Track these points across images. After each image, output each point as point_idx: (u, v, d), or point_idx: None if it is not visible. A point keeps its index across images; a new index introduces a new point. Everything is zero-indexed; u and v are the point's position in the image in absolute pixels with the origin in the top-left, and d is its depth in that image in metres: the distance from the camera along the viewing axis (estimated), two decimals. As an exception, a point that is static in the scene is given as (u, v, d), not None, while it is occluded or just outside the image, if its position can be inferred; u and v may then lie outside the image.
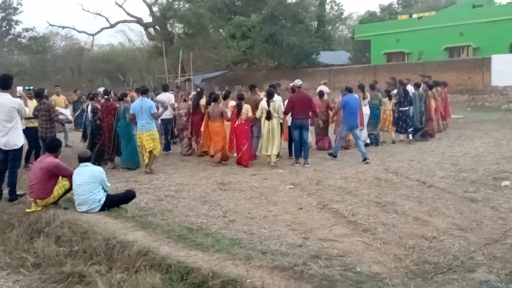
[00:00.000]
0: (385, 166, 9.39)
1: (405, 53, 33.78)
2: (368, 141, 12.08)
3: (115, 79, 46.32)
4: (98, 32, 43.61)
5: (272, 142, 9.81)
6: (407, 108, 12.47)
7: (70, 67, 48.42)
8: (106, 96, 10.75)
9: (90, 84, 41.76)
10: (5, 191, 7.35)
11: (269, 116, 9.79)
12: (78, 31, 44.37)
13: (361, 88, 12.23)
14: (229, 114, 10.45)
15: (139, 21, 42.19)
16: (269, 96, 9.96)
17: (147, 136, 9.41)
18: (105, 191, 6.51)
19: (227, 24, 36.50)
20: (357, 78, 25.55)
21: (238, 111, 10.12)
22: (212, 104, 10.48)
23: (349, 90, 10.85)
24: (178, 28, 41.45)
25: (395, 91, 13.51)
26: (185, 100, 12.31)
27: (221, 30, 38.61)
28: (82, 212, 6.25)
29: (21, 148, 7.39)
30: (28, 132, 9.73)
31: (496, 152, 10.34)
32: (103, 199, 6.34)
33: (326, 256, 4.63)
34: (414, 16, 34.79)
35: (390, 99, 12.75)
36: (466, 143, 11.90)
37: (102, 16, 42.39)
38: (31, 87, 11.39)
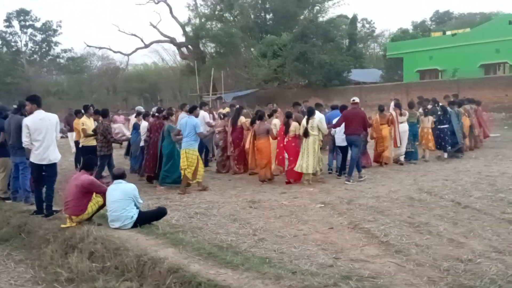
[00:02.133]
0: (419, 185, 9.20)
1: (439, 71, 33.27)
2: (402, 158, 12.06)
3: (149, 97, 47.27)
4: (133, 52, 44.94)
5: (307, 160, 9.76)
6: (446, 125, 12.55)
7: (105, 86, 49.88)
8: (157, 114, 10.94)
9: (125, 103, 42.78)
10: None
11: (306, 134, 9.80)
12: (114, 52, 45.83)
13: (398, 105, 12.24)
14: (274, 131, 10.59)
15: (172, 41, 43.21)
16: (310, 114, 9.99)
17: (183, 154, 9.45)
18: (137, 207, 6.62)
19: (259, 43, 36.90)
20: (389, 96, 25.22)
21: (286, 128, 10.17)
22: (258, 122, 10.58)
23: (333, 107, 11.65)
24: (210, 47, 42.24)
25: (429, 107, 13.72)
26: (221, 118, 12.48)
27: (252, 49, 39.06)
28: (115, 228, 6.36)
29: (56, 164, 7.61)
30: (85, 151, 10.25)
31: (535, 172, 9.99)
32: (135, 216, 6.44)
33: (357, 277, 4.54)
34: (448, 33, 34.31)
35: (426, 115, 12.77)
36: (503, 162, 11.53)
37: (137, 36, 43.75)
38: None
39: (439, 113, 12.91)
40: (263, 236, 6.16)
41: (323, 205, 7.86)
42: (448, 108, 12.95)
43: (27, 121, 7.28)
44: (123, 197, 6.40)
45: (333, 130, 10.64)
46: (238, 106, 13.12)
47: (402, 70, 36.02)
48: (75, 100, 40.72)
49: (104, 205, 6.67)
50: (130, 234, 6.11)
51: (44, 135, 7.28)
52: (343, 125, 10.22)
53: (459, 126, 12.94)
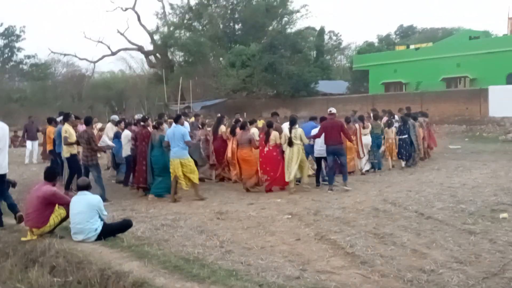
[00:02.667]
0: (383, 196, 9.36)
1: (403, 83, 34.16)
2: (367, 167, 12.68)
3: (115, 105, 46.58)
4: (100, 59, 44.38)
5: (295, 167, 9.98)
6: (406, 136, 13.34)
7: (71, 93, 48.85)
8: (143, 123, 10.68)
9: (90, 111, 41.95)
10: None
11: (290, 143, 9.98)
12: (80, 58, 45.16)
13: (361, 119, 12.62)
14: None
15: (140, 49, 42.85)
16: (292, 123, 10.21)
17: (178, 163, 9.36)
18: (101, 219, 6.48)
19: (227, 52, 37.03)
20: (355, 107, 25.67)
21: (267, 138, 10.28)
22: (240, 131, 10.63)
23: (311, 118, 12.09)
24: (178, 56, 42.11)
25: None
26: (200, 127, 12.48)
27: (221, 59, 39.18)
28: (78, 241, 6.20)
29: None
30: (72, 159, 9.93)
31: (494, 184, 10.32)
32: (100, 228, 6.30)
33: (323, 289, 4.57)
34: (412, 47, 35.35)
35: (389, 127, 13.43)
36: (464, 174, 11.89)
37: (104, 43, 43.20)
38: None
39: (399, 124, 13.71)
40: (230, 248, 6.12)
41: (290, 216, 7.88)
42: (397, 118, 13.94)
43: None
44: (87, 209, 6.25)
45: (312, 140, 10.80)
46: (219, 115, 13.08)
47: (368, 82, 36.83)
48: (38, 107, 39.68)
49: (67, 217, 6.51)
50: (93, 247, 5.97)
51: (4, 144, 7.10)
52: (322, 136, 10.42)
53: (415, 137, 13.73)
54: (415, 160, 13.81)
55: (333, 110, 10.73)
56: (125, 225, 6.72)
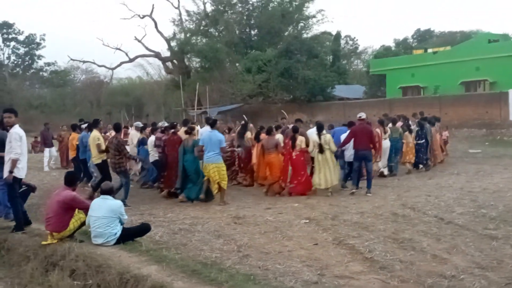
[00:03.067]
0: (402, 201, 9.26)
1: (421, 87, 33.83)
2: (385, 172, 12.64)
3: (133, 111, 47.06)
4: (117, 66, 44.83)
5: (330, 173, 10.14)
6: (423, 140, 13.40)
7: (89, 100, 49.50)
8: (173, 130, 10.73)
9: (109, 117, 42.47)
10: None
11: (321, 149, 10.10)
12: (98, 65, 45.63)
13: (381, 122, 12.55)
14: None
15: (157, 55, 43.24)
16: (319, 130, 10.34)
17: (214, 168, 9.40)
18: (121, 224, 6.53)
19: (243, 58, 37.16)
20: (372, 112, 25.54)
21: (293, 143, 10.34)
22: (266, 137, 10.74)
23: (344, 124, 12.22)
24: (195, 62, 42.36)
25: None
26: (227, 132, 12.55)
27: (237, 64, 39.30)
28: (97, 244, 6.26)
29: None
30: (103, 165, 9.94)
31: (515, 188, 10.14)
32: (119, 233, 6.35)
33: (342, 294, 4.53)
34: (429, 50, 35.00)
35: (410, 132, 13.44)
36: (485, 179, 11.70)
37: (122, 50, 43.50)
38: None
39: (417, 129, 13.72)
40: (248, 253, 6.11)
41: (308, 221, 7.84)
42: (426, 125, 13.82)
43: (21, 132, 7.24)
44: (108, 214, 6.29)
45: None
46: (243, 122, 13.07)
47: (385, 86, 36.57)
48: (57, 114, 40.37)
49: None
50: (112, 251, 6.01)
51: (24, 149, 7.24)
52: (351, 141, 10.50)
53: (431, 142, 13.82)
54: (428, 165, 13.80)
55: (363, 115, 10.72)
56: (143, 229, 6.76)
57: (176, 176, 10.16)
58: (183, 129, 11.38)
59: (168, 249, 6.23)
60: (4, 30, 51.03)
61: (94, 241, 6.33)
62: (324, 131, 10.43)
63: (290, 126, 13.45)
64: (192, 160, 9.87)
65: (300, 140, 10.40)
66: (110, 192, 6.63)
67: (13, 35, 51.38)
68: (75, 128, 13.32)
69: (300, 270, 5.38)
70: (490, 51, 29.54)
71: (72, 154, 12.80)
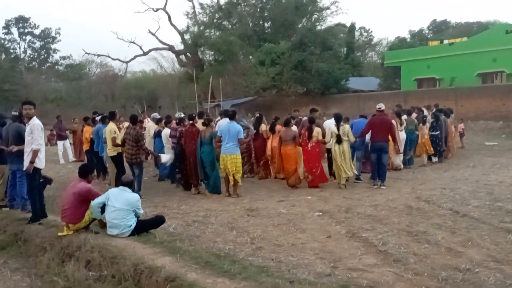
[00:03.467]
0: (417, 194, 9.19)
1: (437, 79, 33.41)
2: (401, 166, 12.52)
3: (146, 104, 47.30)
4: (132, 59, 45.00)
5: (346, 165, 10.10)
6: (438, 132, 13.30)
7: (104, 93, 49.87)
8: (191, 121, 10.62)
9: (123, 110, 42.77)
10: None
11: (339, 140, 10.06)
12: (113, 59, 45.83)
13: (398, 114, 12.46)
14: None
15: (171, 48, 43.30)
16: (338, 121, 10.31)
17: (231, 160, 9.44)
18: (137, 216, 6.59)
19: (257, 51, 37.03)
20: (387, 104, 25.21)
21: (310, 134, 10.32)
22: (284, 128, 10.72)
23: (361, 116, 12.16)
24: (208, 55, 42.31)
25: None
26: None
27: (250, 57, 39.18)
28: (112, 235, 6.32)
29: None
30: (118, 158, 9.94)
31: (533, 181, 9.99)
32: (134, 225, 6.41)
33: (355, 287, 4.52)
34: (445, 42, 34.51)
35: (424, 124, 13.37)
36: (501, 171, 11.55)
37: (136, 44, 43.67)
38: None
39: (431, 120, 13.70)
40: (261, 245, 6.13)
41: (321, 214, 7.84)
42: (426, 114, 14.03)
43: (40, 124, 7.40)
44: (126, 207, 6.35)
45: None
46: (258, 114, 12.97)
47: (400, 78, 36.19)
48: (73, 107, 40.74)
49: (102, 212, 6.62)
50: (127, 242, 6.07)
51: (42, 140, 7.36)
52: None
53: (446, 134, 13.74)
54: (442, 157, 13.77)
55: (382, 106, 10.62)
56: (158, 221, 6.81)
57: (195, 168, 10.12)
58: (199, 121, 11.43)
59: (182, 240, 6.28)
60: (20, 25, 51.57)
61: (109, 231, 6.40)
62: (342, 122, 10.38)
63: (304, 118, 13.44)
64: (209, 151, 9.89)
65: (317, 131, 10.37)
66: (130, 185, 6.69)
67: (29, 29, 51.90)
68: (86, 120, 13.32)
69: (313, 263, 5.39)
70: (507, 42, 29.00)
71: (85, 147, 12.82)
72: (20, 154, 7.85)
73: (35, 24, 52.07)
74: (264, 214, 7.98)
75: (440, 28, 47.97)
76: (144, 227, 6.57)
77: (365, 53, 53.18)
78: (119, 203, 6.36)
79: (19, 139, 7.90)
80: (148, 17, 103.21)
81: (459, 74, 30.17)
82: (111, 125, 10.08)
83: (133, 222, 6.40)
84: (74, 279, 5.44)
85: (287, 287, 4.39)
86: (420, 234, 6.40)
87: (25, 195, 8.24)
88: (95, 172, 11.42)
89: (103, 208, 6.48)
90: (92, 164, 12.03)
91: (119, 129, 10.68)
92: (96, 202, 6.44)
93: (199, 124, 10.79)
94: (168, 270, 4.96)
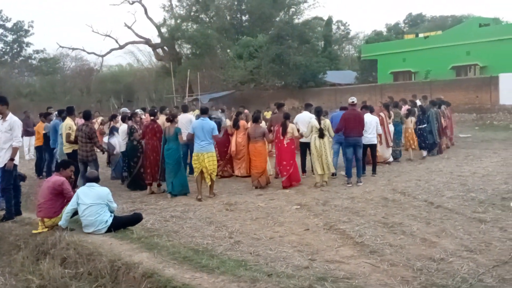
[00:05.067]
0: (392, 186, 9.33)
1: (412, 72, 33.85)
2: (391, 159, 12.47)
3: (124, 99, 46.79)
4: (107, 53, 44.42)
5: (327, 160, 9.68)
6: (425, 125, 13.11)
7: (79, 87, 48.97)
8: (152, 117, 10.21)
9: (99, 105, 42.17)
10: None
11: (322, 134, 9.68)
12: (88, 53, 45.16)
13: (386, 106, 12.49)
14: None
15: (147, 42, 42.83)
16: (318, 114, 9.86)
17: (208, 158, 8.93)
18: (111, 212, 6.52)
19: (234, 44, 36.90)
20: (363, 97, 25.50)
21: (284, 130, 9.87)
22: (253, 124, 10.19)
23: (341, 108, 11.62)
24: (186, 48, 42.03)
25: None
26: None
27: (228, 50, 39.04)
28: (88, 233, 6.25)
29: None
30: (74, 156, 9.29)
31: (504, 172, 10.24)
32: (110, 221, 6.35)
33: (332, 278, 4.58)
34: (421, 35, 34.96)
35: (407, 117, 13.24)
36: (474, 163, 11.80)
37: (111, 37, 43.10)
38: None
39: (418, 113, 13.49)
40: (239, 239, 6.15)
41: (299, 207, 7.89)
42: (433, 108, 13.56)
43: (19, 121, 7.43)
44: (97, 201, 6.29)
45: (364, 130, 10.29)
46: (240, 109, 12.59)
47: (376, 71, 36.51)
48: (47, 102, 39.88)
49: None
50: (103, 239, 6.02)
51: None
52: (374, 123, 10.48)
53: (437, 126, 13.37)
54: (440, 149, 13.68)
55: (354, 100, 10.33)
56: (135, 218, 6.77)
57: (156, 167, 9.69)
58: (161, 116, 11.00)
59: (159, 236, 6.25)
60: (-9, 17, 50.20)
61: (85, 230, 6.32)
62: (323, 116, 10.01)
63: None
64: (175, 149, 9.31)
65: (291, 127, 9.93)
66: (96, 180, 6.61)
67: (1, 22, 50.56)
68: (42, 116, 12.63)
69: (291, 255, 5.43)
70: (481, 35, 29.53)
71: (37, 143, 12.18)
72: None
73: (7, 17, 50.68)
74: (243, 208, 8.00)
75: (415, 22, 48.54)
76: (121, 224, 6.52)
77: (342, 46, 53.44)
78: (90, 199, 6.29)
79: None
80: (124, 10, 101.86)
81: (434, 67, 30.61)
82: (67, 121, 9.60)
83: (108, 218, 6.34)
84: (49, 277, 5.37)
85: (265, 281, 4.41)
86: (395, 225, 6.50)
87: (-1, 193, 8.08)
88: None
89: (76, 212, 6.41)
90: (41, 162, 11.71)
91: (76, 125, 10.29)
92: (68, 208, 6.33)
93: (161, 119, 10.33)
94: (146, 266, 4.94)
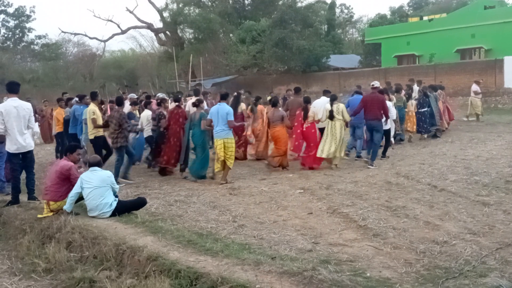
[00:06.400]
0: (396, 170, 9.33)
1: (416, 56, 33.61)
2: (393, 141, 12.42)
3: (127, 84, 46.72)
4: (110, 38, 44.22)
5: (335, 144, 9.71)
6: (426, 109, 13.34)
7: (82, 73, 48.94)
8: (177, 103, 10.11)
9: (102, 90, 42.15)
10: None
11: (331, 116, 9.77)
12: (90, 38, 45.00)
13: (385, 91, 12.49)
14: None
15: (149, 26, 42.59)
16: (332, 98, 10.01)
17: (221, 144, 8.83)
18: (115, 195, 6.56)
19: (237, 28, 36.65)
20: (367, 81, 25.38)
21: (305, 114, 10.04)
22: (272, 109, 10.20)
23: (356, 92, 11.71)
24: (188, 33, 41.79)
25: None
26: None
27: (231, 35, 38.77)
28: (93, 217, 6.29)
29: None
30: (96, 142, 9.39)
31: (509, 155, 10.21)
32: (114, 204, 6.38)
33: (336, 261, 4.60)
34: (425, 18, 34.59)
35: (407, 100, 13.45)
36: (478, 146, 11.77)
37: (113, 22, 43.22)
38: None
39: (418, 97, 13.76)
40: (243, 223, 6.17)
41: (302, 191, 7.91)
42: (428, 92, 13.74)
43: (0, 107, 7.19)
44: (100, 184, 6.33)
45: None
46: (236, 93, 12.49)
47: (380, 55, 36.28)
48: (50, 88, 39.91)
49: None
50: (108, 223, 6.06)
51: (18, 123, 7.18)
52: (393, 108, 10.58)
53: (437, 109, 13.66)
54: (439, 132, 13.86)
55: (376, 83, 10.44)
56: (139, 203, 6.79)
57: (177, 151, 9.67)
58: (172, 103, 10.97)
59: (163, 220, 6.29)
60: (-7, 3, 49.96)
61: (89, 213, 6.37)
62: (337, 101, 10.13)
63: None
64: (199, 134, 9.32)
65: (312, 111, 10.04)
66: (98, 164, 6.63)
67: (2, 8, 50.27)
68: (59, 101, 12.44)
69: (294, 239, 5.46)
70: (486, 17, 29.22)
71: (57, 129, 12.03)
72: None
73: (8, 2, 50.40)
74: (246, 192, 8.02)
75: (420, 5, 47.95)
76: (125, 208, 6.55)
77: (345, 30, 53.06)
78: (94, 183, 6.33)
79: None
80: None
81: (438, 50, 30.37)
82: (92, 106, 9.54)
83: (112, 201, 6.38)
84: (55, 260, 5.42)
85: (269, 263, 4.44)
86: (399, 208, 6.51)
87: (3, 177, 8.14)
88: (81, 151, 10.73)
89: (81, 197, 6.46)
90: (79, 145, 11.66)
91: (101, 110, 10.33)
92: (72, 192, 6.37)
93: (171, 105, 10.31)
94: (150, 249, 4.97)
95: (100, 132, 9.49)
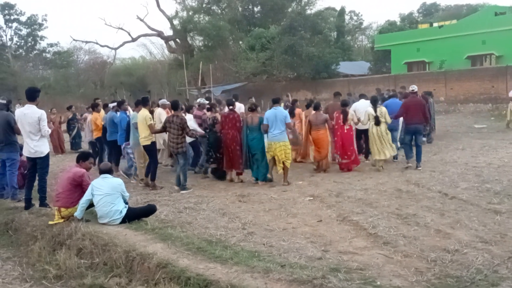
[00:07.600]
0: (406, 177, 9.27)
1: (426, 62, 33.46)
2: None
3: (137, 91, 47.03)
4: (120, 46, 44.65)
5: (385, 147, 10.17)
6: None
7: (93, 80, 49.40)
8: (231, 107, 9.98)
9: (113, 97, 42.47)
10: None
11: (378, 122, 10.14)
12: (101, 45, 45.69)
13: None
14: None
15: (160, 34, 42.92)
16: (374, 103, 10.35)
17: (280, 147, 9.13)
18: (126, 203, 6.59)
19: (247, 36, 36.81)
20: (377, 87, 25.35)
21: (344, 117, 10.34)
22: (314, 112, 10.58)
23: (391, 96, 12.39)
24: (198, 40, 42.05)
25: None
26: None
27: (240, 42, 38.96)
28: (103, 224, 6.33)
29: (47, 156, 7.54)
30: (152, 147, 9.37)
31: (521, 162, 10.11)
32: (124, 211, 6.41)
33: (345, 269, 4.58)
34: (435, 25, 34.48)
35: None
36: (490, 153, 11.66)
37: (124, 30, 43.50)
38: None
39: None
40: (252, 230, 6.17)
41: (312, 198, 7.89)
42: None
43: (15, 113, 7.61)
44: (111, 191, 6.37)
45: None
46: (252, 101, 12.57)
47: (390, 62, 36.17)
48: (62, 95, 40.36)
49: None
50: (118, 229, 6.08)
51: (26, 129, 7.29)
52: None
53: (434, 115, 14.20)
54: (430, 138, 14.10)
55: (415, 88, 10.68)
56: (149, 210, 6.82)
57: (236, 156, 9.63)
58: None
59: (173, 227, 6.31)
60: (6, 11, 50.62)
61: (100, 220, 6.40)
62: (379, 104, 10.47)
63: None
64: (259, 138, 9.41)
65: (351, 114, 10.42)
66: (110, 171, 6.70)
67: (15, 16, 51.00)
68: (94, 107, 12.18)
69: (304, 247, 5.44)
70: (497, 24, 29.04)
71: (96, 135, 11.84)
72: (9, 142, 7.85)
73: (21, 11, 51.19)
74: (256, 199, 8.02)
75: (429, 11, 47.88)
76: (135, 215, 6.57)
77: (355, 37, 53.07)
78: (105, 190, 6.38)
79: (9, 127, 7.90)
80: (136, 2, 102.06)
81: (448, 57, 30.23)
82: (145, 112, 9.31)
83: (122, 208, 6.41)
84: (65, 267, 5.44)
85: (279, 271, 4.43)
86: (409, 216, 6.47)
87: (15, 184, 8.23)
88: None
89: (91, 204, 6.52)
90: (102, 153, 11.67)
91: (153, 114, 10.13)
92: (83, 199, 6.43)
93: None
94: (160, 256, 4.98)
95: (153, 138, 9.41)
